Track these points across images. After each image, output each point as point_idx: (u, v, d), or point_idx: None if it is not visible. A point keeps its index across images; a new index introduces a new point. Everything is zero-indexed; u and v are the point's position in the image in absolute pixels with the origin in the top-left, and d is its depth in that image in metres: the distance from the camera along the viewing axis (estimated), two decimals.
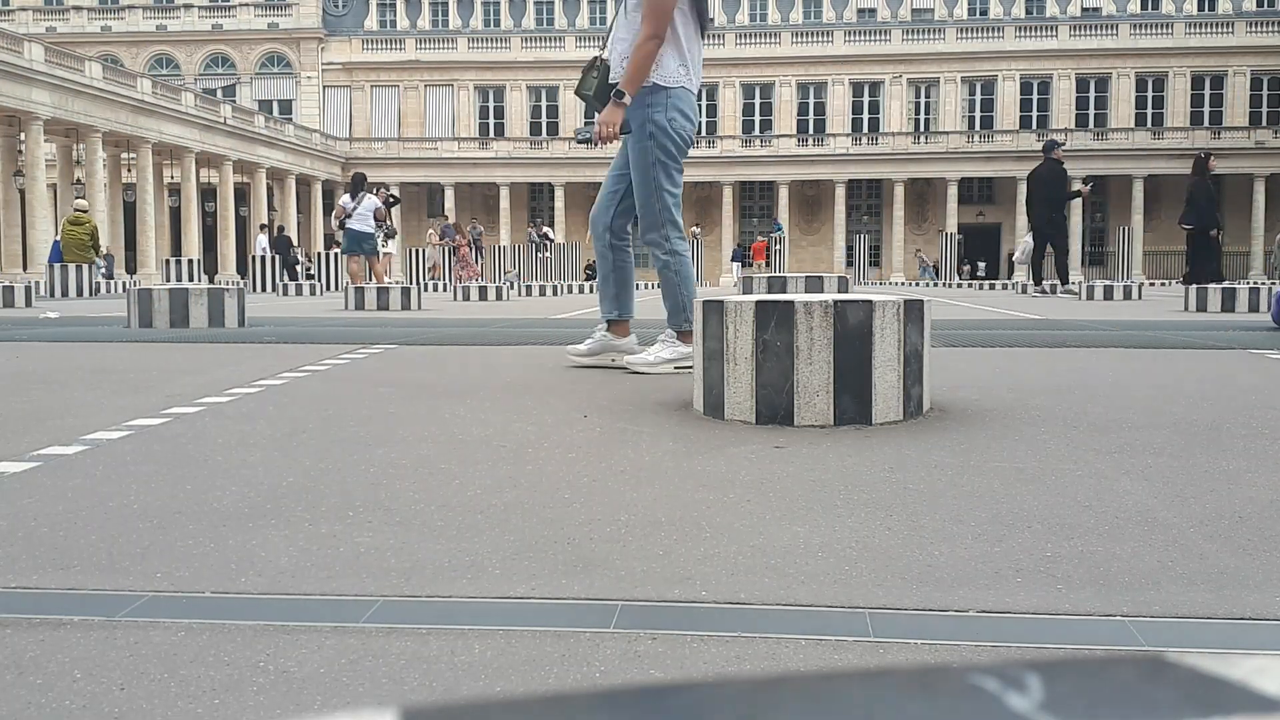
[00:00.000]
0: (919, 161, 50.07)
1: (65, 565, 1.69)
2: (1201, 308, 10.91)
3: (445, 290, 21.85)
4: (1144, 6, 50.78)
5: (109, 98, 34.94)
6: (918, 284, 34.61)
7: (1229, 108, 49.41)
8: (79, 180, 35.41)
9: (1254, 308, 10.54)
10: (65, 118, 33.09)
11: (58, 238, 20.84)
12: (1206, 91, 49.81)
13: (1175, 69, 49.31)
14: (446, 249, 27.61)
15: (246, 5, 51.34)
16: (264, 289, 23.08)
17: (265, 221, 36.42)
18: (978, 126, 51.02)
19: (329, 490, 2.21)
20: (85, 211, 20.25)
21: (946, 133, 50.28)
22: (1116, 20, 50.21)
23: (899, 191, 50.14)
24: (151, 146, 37.43)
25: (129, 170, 40.20)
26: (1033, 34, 50.48)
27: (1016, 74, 50.64)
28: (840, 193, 50.48)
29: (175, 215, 41.69)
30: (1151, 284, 30.67)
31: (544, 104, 52.27)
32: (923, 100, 51.69)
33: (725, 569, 1.65)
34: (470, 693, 1.21)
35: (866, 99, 51.55)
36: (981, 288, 25.80)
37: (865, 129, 51.33)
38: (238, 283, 21.92)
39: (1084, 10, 50.76)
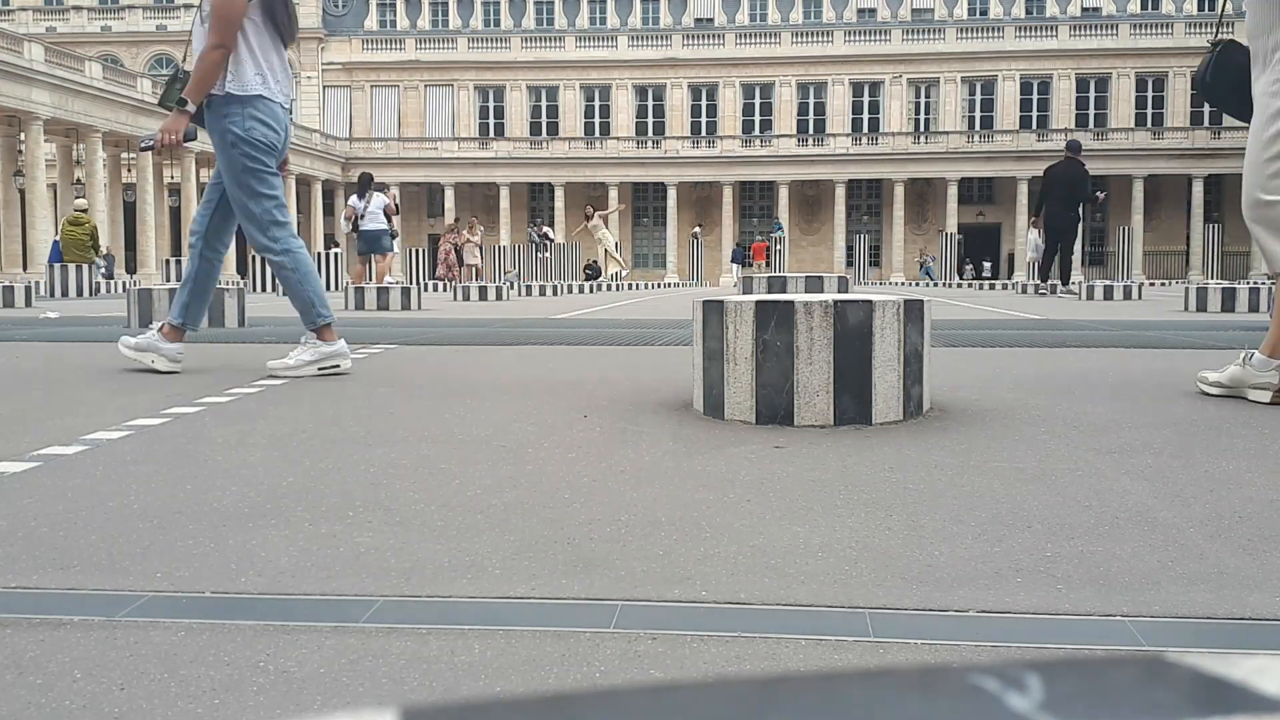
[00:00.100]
0: (919, 161, 50.09)
1: (65, 565, 1.69)
2: (1201, 308, 10.92)
3: (446, 290, 21.85)
4: (1144, 6, 50.81)
5: (109, 98, 34.98)
6: (918, 284, 34.60)
7: None
8: (79, 180, 35.46)
9: (1254, 308, 10.54)
10: (65, 118, 33.12)
11: (57, 238, 20.85)
12: None
13: (1175, 69, 49.29)
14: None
15: None
16: (264, 289, 23.07)
17: None
18: (978, 126, 51.06)
19: (329, 490, 2.21)
20: (85, 211, 20.28)
21: (946, 133, 50.31)
22: (1116, 20, 50.24)
23: (899, 191, 50.16)
24: None
25: (129, 170, 40.22)
26: (1033, 34, 50.51)
27: (1016, 74, 50.67)
28: (840, 193, 50.51)
29: (175, 215, 41.70)
30: (1151, 284, 30.66)
31: (544, 104, 52.28)
32: (923, 100, 51.72)
33: (725, 569, 1.65)
34: (470, 693, 1.21)
35: (866, 99, 51.58)
36: (982, 288, 25.79)
37: (865, 129, 51.36)
38: (238, 283, 21.90)
39: (1084, 10, 50.79)
